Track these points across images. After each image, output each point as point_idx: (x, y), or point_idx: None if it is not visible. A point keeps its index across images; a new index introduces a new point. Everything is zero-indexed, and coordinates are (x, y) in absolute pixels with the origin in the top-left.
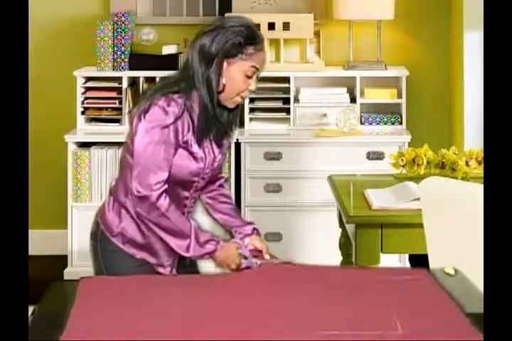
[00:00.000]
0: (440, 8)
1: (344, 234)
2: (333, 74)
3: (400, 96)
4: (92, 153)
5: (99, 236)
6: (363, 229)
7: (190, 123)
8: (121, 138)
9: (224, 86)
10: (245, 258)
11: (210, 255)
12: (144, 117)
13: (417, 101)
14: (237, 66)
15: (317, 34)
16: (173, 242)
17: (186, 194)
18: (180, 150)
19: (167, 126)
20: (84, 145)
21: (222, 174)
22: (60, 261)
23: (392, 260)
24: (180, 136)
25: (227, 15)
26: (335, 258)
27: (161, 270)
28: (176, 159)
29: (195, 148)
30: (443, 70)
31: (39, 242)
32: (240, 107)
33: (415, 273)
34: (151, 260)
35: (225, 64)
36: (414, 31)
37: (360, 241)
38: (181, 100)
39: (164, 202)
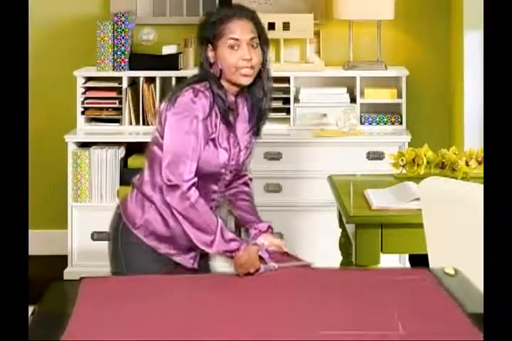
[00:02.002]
0: (440, 8)
1: (344, 234)
2: (333, 74)
3: (400, 96)
4: (92, 153)
5: (121, 228)
6: (363, 229)
7: (218, 112)
8: (121, 138)
9: (221, 68)
10: (262, 259)
11: (232, 254)
12: (172, 109)
13: (417, 101)
14: (220, 45)
15: (317, 34)
16: (195, 235)
17: (215, 187)
18: (207, 143)
19: (196, 117)
20: (84, 145)
21: (247, 172)
22: (60, 261)
23: (392, 260)
24: (210, 130)
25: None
26: (335, 258)
27: (183, 262)
28: (204, 151)
29: (221, 139)
30: (443, 70)
31: (39, 242)
32: (268, 96)
33: (417, 273)
34: (174, 253)
35: (211, 53)
36: (414, 31)
37: (360, 241)
38: (208, 91)
39: (194, 193)
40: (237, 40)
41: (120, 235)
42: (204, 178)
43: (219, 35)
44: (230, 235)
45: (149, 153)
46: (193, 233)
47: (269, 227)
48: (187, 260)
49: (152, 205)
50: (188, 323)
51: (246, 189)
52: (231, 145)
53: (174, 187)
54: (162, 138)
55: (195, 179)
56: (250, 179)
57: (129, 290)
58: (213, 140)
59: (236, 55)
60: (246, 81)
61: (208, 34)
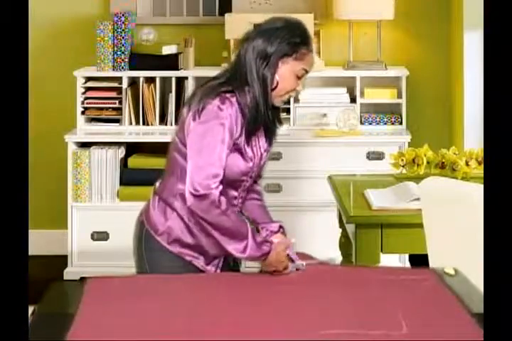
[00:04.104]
0: (440, 8)
1: (344, 234)
2: (333, 74)
3: (400, 96)
4: (92, 153)
5: (144, 235)
6: (363, 229)
7: (243, 122)
8: (121, 138)
9: (277, 84)
10: (289, 257)
11: (265, 256)
12: (199, 117)
13: (417, 101)
14: (289, 66)
15: (317, 34)
16: (228, 243)
17: (235, 193)
18: (232, 151)
19: (223, 125)
20: (84, 145)
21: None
22: (60, 261)
23: (392, 260)
24: (234, 137)
25: (275, 17)
26: (335, 258)
27: (207, 268)
28: (229, 159)
29: (245, 147)
30: (443, 70)
31: (39, 242)
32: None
33: (420, 273)
34: (199, 260)
35: (279, 63)
36: (414, 31)
37: (360, 241)
38: (234, 99)
39: (224, 201)
40: (306, 72)
41: (144, 242)
42: (225, 185)
43: (297, 56)
44: (260, 238)
45: (170, 159)
46: (225, 241)
47: (281, 227)
48: (210, 267)
49: (174, 212)
50: (192, 323)
51: (256, 187)
52: (254, 152)
53: (201, 197)
54: (184, 145)
55: (221, 186)
56: (260, 176)
57: (134, 291)
58: (239, 148)
59: (295, 84)
60: (280, 104)
61: (290, 51)
